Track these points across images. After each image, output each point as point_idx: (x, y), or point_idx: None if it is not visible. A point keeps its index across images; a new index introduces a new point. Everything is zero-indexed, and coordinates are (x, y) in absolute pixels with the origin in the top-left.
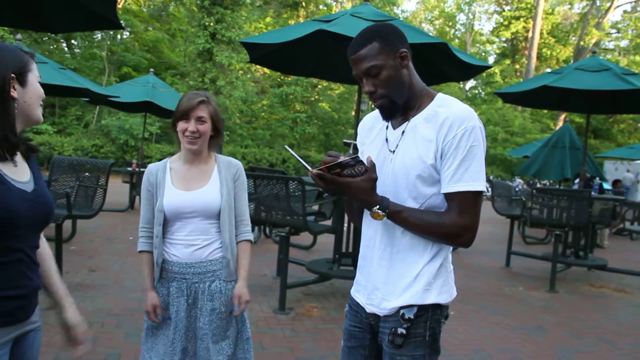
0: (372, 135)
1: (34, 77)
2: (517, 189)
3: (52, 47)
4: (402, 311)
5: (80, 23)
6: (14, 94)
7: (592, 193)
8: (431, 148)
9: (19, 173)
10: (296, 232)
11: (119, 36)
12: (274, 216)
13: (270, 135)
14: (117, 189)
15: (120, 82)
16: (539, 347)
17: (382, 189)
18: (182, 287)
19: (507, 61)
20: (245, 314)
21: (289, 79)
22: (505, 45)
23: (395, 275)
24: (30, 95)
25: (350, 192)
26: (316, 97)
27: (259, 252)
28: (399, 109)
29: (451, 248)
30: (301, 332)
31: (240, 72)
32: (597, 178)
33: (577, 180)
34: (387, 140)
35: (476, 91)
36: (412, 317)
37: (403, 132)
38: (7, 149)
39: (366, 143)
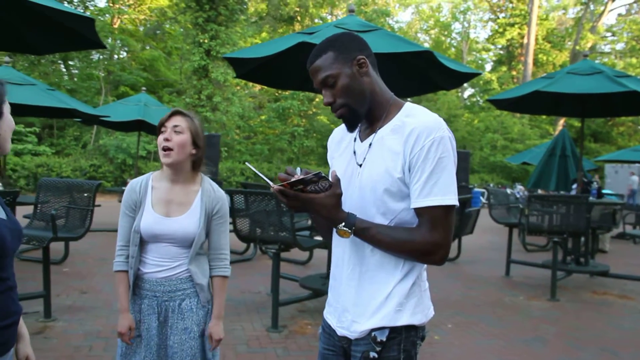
0: (341, 148)
1: (7, 108)
2: (517, 196)
3: (50, 69)
4: (373, 333)
5: (63, 43)
6: None
7: (590, 198)
8: (398, 161)
9: None
10: (286, 249)
11: (115, 56)
12: (264, 232)
13: (268, 150)
14: (112, 209)
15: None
16: (540, 359)
17: (350, 205)
18: (153, 305)
19: (504, 68)
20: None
21: (286, 93)
22: (501, 52)
23: (365, 295)
24: (5, 126)
25: (314, 208)
26: (314, 110)
27: (255, 268)
28: (360, 118)
29: (425, 265)
30: (294, 350)
31: (237, 87)
32: (595, 182)
33: (574, 186)
34: (354, 153)
35: (474, 99)
36: (384, 339)
37: (370, 144)
38: None
39: (335, 157)
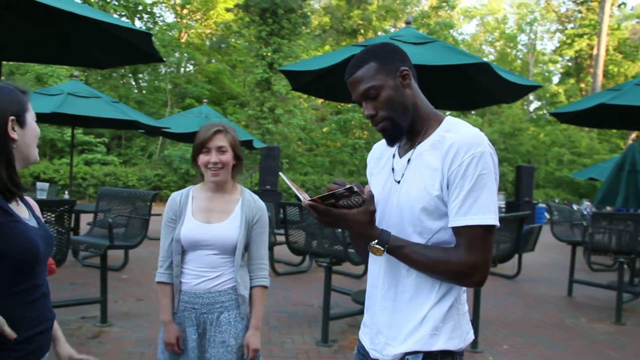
0: (380, 164)
1: (31, 116)
2: (584, 213)
3: (120, 82)
4: (407, 357)
5: (124, 58)
6: (14, 135)
7: None
8: (437, 177)
9: (22, 211)
10: (338, 262)
11: (182, 69)
12: (318, 245)
13: (329, 162)
14: None
15: None
16: None
17: (387, 223)
18: (192, 317)
19: (572, 80)
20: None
21: (348, 105)
22: (569, 64)
23: (399, 318)
24: (29, 135)
25: (346, 224)
26: None
27: (309, 281)
28: (402, 132)
29: (464, 287)
30: None
31: (300, 100)
32: None
33: None
34: (393, 169)
35: (541, 112)
36: None
37: (409, 160)
38: (14, 190)
39: (374, 173)
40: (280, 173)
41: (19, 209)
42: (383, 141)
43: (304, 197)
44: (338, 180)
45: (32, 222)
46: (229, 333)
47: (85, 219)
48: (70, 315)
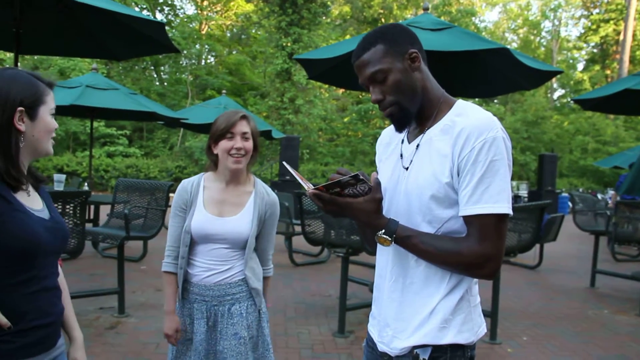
0: (389, 150)
1: (46, 109)
2: (609, 202)
3: (144, 75)
4: (415, 351)
5: (139, 49)
6: (20, 126)
7: None
8: (446, 164)
9: (34, 202)
10: (355, 253)
11: (203, 61)
12: (336, 235)
13: (350, 153)
14: None
15: None
16: None
17: (395, 212)
18: (202, 309)
19: (597, 67)
20: (268, 338)
21: (369, 95)
22: (594, 50)
23: (407, 310)
24: (40, 129)
25: (352, 213)
26: None
27: (327, 271)
28: (411, 117)
29: (475, 279)
30: (358, 357)
31: (321, 90)
32: None
33: None
34: (401, 155)
35: (565, 100)
36: (426, 358)
37: (418, 145)
38: (10, 182)
39: (382, 159)
40: (283, 162)
41: (30, 200)
42: (392, 126)
43: (308, 187)
44: (342, 169)
45: (43, 214)
46: (241, 325)
47: (105, 210)
48: (88, 306)
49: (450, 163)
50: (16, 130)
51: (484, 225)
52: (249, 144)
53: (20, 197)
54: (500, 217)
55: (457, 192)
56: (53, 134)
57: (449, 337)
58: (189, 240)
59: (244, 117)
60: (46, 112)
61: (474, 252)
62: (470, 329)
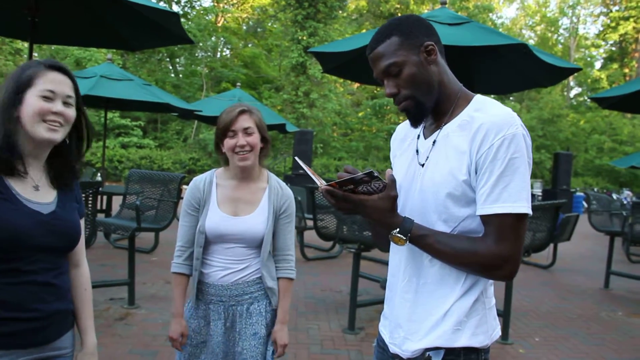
0: (404, 146)
1: (33, 92)
2: (624, 202)
3: (160, 66)
4: (427, 354)
5: (152, 39)
6: (17, 112)
7: None
8: (464, 161)
9: (40, 195)
10: (366, 249)
11: (218, 53)
12: (348, 231)
13: (364, 148)
14: None
15: None
16: None
17: (410, 210)
18: (219, 310)
19: (615, 65)
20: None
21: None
22: (613, 48)
23: (420, 311)
24: (25, 112)
25: (365, 211)
26: None
27: (339, 266)
28: (427, 112)
29: (491, 280)
30: (368, 354)
31: (336, 84)
32: None
33: None
34: (417, 151)
35: (581, 98)
36: None
37: (434, 141)
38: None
39: (397, 155)
40: (295, 157)
41: (36, 193)
42: (407, 121)
43: (321, 183)
44: (348, 167)
45: (44, 208)
46: (260, 324)
47: (118, 201)
48: (99, 297)
49: (468, 160)
50: (10, 116)
51: (502, 225)
52: (253, 139)
53: (19, 187)
54: (519, 217)
55: (474, 190)
56: (50, 116)
57: (462, 340)
58: (204, 241)
59: (242, 111)
60: (32, 95)
61: (492, 252)
62: (484, 331)
